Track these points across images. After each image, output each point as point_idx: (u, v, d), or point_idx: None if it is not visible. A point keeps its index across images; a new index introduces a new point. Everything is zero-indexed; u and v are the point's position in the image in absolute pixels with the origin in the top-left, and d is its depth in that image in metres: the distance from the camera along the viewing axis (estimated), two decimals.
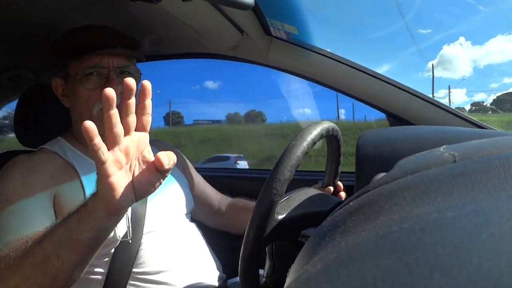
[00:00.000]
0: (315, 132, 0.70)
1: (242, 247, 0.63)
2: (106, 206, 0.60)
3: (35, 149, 1.11)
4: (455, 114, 1.18)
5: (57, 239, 0.65)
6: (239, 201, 1.25)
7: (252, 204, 1.16)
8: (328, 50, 1.26)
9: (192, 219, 1.12)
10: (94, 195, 0.63)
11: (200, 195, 1.22)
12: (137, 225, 0.91)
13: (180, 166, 1.20)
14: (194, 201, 1.17)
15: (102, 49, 0.91)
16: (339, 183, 0.98)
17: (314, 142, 0.69)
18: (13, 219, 0.78)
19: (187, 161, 1.26)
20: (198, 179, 1.25)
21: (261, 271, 0.69)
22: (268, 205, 0.61)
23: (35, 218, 0.80)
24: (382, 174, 0.36)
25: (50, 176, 0.88)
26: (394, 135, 0.66)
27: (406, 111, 1.23)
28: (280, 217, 0.65)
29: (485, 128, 1.13)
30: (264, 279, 0.72)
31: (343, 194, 0.99)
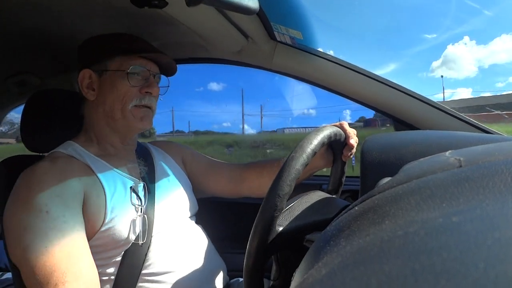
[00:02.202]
0: (315, 141, 0.68)
1: (244, 260, 0.62)
2: None
3: (40, 154, 1.12)
4: (461, 119, 1.18)
5: None
6: (255, 165, 1.22)
7: (267, 165, 1.16)
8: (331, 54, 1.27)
9: (197, 222, 1.12)
10: None
11: (212, 171, 1.22)
12: (147, 228, 0.93)
13: (179, 160, 1.21)
14: (211, 179, 1.21)
15: (151, 53, 1.01)
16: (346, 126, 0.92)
17: (315, 152, 0.67)
18: (52, 230, 0.79)
19: (189, 149, 1.27)
20: (204, 160, 1.26)
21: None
22: (269, 221, 0.60)
23: (70, 226, 0.81)
24: (387, 179, 0.36)
25: (79, 179, 0.89)
26: (399, 140, 0.65)
27: (411, 115, 1.23)
28: (282, 229, 0.64)
29: (491, 133, 1.13)
30: (271, 282, 0.72)
31: (353, 141, 0.92)
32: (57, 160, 0.93)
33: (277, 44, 1.30)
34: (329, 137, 0.75)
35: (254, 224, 0.61)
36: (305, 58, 1.28)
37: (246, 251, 0.62)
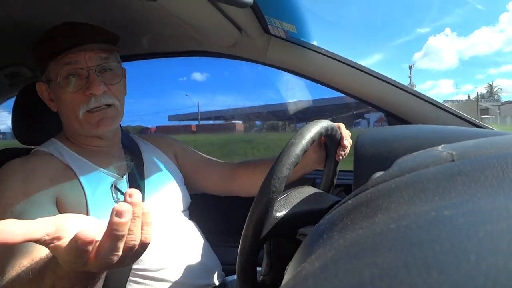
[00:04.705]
0: (314, 130, 0.70)
1: (240, 244, 0.63)
2: None
3: (33, 147, 1.11)
4: (454, 114, 1.18)
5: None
6: (248, 164, 1.21)
7: (260, 165, 1.15)
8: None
9: (191, 217, 1.12)
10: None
11: (203, 167, 1.21)
12: None
13: (171, 154, 1.19)
14: (201, 176, 1.18)
15: (76, 47, 0.88)
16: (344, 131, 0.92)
17: (313, 141, 0.69)
18: None
19: (181, 144, 1.26)
20: (196, 156, 1.24)
21: (259, 269, 0.69)
22: (267, 203, 0.61)
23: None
24: (380, 173, 0.36)
25: (50, 180, 0.86)
26: (392, 134, 0.66)
27: (404, 110, 1.24)
28: (279, 214, 0.65)
29: (483, 128, 1.14)
30: (261, 277, 0.72)
31: (347, 143, 0.91)
32: (31, 160, 0.91)
33: (271, 37, 1.29)
34: (327, 129, 0.77)
35: (252, 206, 0.62)
36: (299, 52, 1.27)
37: (242, 233, 0.63)
